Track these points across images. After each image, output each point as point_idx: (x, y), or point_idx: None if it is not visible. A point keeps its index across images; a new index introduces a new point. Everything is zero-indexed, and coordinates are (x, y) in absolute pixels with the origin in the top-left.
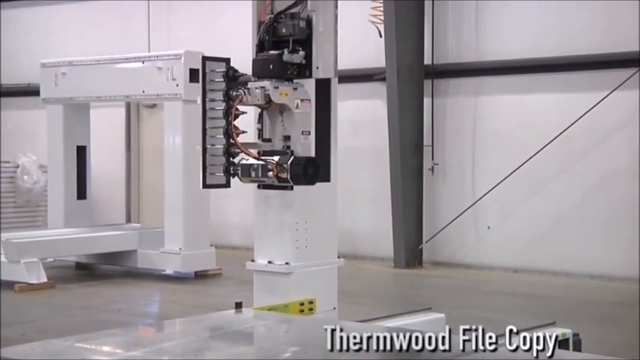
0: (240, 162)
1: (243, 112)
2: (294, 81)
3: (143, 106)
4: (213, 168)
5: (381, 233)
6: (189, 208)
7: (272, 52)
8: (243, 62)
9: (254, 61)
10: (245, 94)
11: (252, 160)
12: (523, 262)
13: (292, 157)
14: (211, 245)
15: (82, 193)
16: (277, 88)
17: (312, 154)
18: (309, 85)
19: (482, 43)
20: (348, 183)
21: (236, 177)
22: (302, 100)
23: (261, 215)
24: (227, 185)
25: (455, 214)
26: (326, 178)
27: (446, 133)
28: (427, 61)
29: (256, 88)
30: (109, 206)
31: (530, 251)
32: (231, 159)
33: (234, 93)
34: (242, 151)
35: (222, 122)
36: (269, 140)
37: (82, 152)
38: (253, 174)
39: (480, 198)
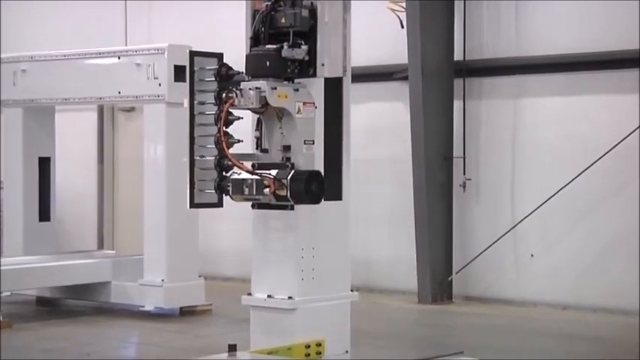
0: (232, 176)
1: (239, 118)
2: (295, 81)
3: (119, 110)
4: (203, 184)
5: (403, 262)
6: (173, 232)
7: (269, 46)
8: (239, 58)
9: (247, 56)
10: (237, 96)
11: (245, 175)
12: (572, 297)
13: (292, 171)
14: (200, 276)
15: (44, 214)
16: (275, 89)
17: (317, 166)
18: (313, 86)
19: (524, 35)
20: (364, 202)
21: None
22: (304, 104)
23: (260, 240)
24: (219, 204)
25: (491, 240)
26: (337, 196)
27: (480, 142)
28: (458, 56)
29: (250, 89)
30: (78, 229)
31: (580, 284)
32: (223, 173)
33: (225, 94)
34: (233, 164)
35: (214, 129)
36: (266, 151)
37: (45, 164)
38: (247, 191)
39: (521, 220)
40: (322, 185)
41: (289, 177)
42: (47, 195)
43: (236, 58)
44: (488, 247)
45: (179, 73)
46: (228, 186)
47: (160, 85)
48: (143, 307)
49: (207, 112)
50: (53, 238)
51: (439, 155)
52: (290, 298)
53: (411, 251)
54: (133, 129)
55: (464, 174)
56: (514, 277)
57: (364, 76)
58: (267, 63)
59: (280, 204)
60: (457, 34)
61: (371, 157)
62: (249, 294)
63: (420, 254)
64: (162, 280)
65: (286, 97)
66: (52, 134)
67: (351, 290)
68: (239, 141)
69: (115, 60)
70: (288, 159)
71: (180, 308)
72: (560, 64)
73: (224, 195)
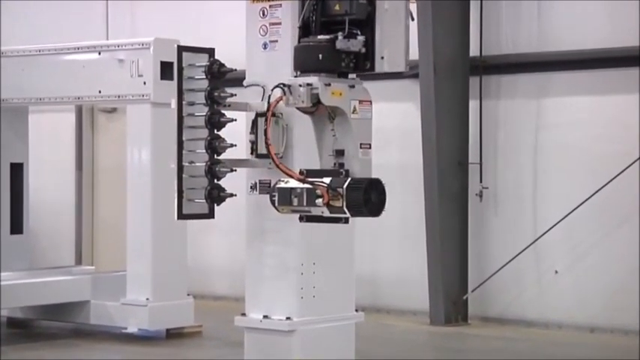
0: (277, 185)
1: (232, 120)
2: (350, 76)
3: (99, 111)
4: (192, 193)
5: (413, 279)
6: (159, 246)
7: (321, 36)
8: (231, 54)
9: (296, 48)
10: (286, 93)
11: (294, 183)
12: (602, 318)
13: (349, 179)
14: (189, 294)
15: (17, 226)
16: (329, 85)
17: (375, 174)
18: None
19: (547, 29)
20: None
21: (222, 204)
22: (360, 102)
23: (256, 255)
24: (210, 215)
25: (511, 255)
26: None
27: (498, 146)
28: (474, 52)
29: (300, 85)
30: (54, 243)
31: (610, 304)
32: (215, 181)
33: (271, 92)
34: (282, 171)
35: (204, 132)
36: (261, 156)
37: (17, 171)
38: (296, 201)
39: (544, 233)
40: (384, 195)
41: (345, 186)
42: (20, 205)
43: (228, 55)
44: (507, 263)
45: (166, 70)
46: (274, 196)
47: (144, 83)
48: (126, 328)
49: (196, 114)
50: (26, 253)
51: (453, 161)
52: (288, 318)
53: (423, 267)
54: (114, 132)
55: (480, 182)
56: (536, 295)
57: (370, 73)
58: (320, 56)
59: (334, 216)
60: (473, 27)
61: (378, 163)
62: (243, 314)
63: (432, 270)
64: (147, 299)
65: (341, 94)
66: (25, 138)
67: (356, 310)
68: (232, 145)
69: (95, 56)
70: (342, 165)
71: (167, 330)
72: (588, 60)
73: (216, 204)
